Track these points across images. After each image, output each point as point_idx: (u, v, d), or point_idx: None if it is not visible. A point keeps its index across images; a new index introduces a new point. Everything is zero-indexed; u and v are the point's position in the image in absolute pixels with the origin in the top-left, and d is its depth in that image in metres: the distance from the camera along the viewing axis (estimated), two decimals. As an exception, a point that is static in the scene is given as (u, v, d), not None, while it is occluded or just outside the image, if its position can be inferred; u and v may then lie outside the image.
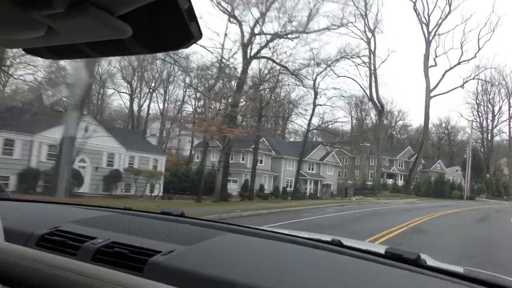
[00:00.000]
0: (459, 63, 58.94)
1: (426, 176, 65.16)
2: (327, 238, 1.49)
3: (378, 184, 50.70)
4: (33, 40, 0.67)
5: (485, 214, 25.77)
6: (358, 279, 1.14)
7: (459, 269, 1.29)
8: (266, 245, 1.39)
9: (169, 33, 0.69)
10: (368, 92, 53.93)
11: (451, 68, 59.83)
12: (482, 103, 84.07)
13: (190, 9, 0.65)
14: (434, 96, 56.43)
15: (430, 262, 1.31)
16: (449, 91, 60.17)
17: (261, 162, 45.67)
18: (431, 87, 56.80)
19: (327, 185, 45.64)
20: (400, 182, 64.31)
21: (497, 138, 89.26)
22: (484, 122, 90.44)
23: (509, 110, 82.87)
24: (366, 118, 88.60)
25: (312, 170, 51.83)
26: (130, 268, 1.13)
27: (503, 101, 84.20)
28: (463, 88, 57.66)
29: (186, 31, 0.68)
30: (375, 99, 52.62)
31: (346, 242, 1.45)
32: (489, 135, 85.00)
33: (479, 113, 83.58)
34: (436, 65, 58.32)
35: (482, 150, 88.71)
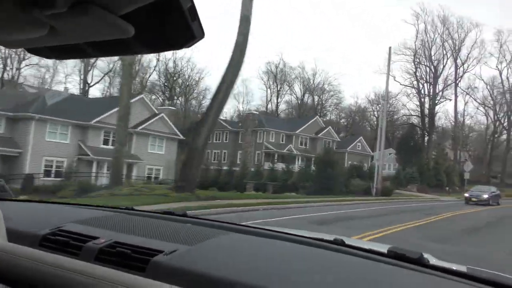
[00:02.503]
0: None
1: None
2: (330, 237, 1.60)
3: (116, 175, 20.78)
4: (36, 40, 0.69)
5: None
6: (361, 278, 1.21)
7: (462, 268, 1.37)
8: (269, 245, 1.47)
9: (171, 33, 0.71)
10: None
11: None
12: (422, 62, 57.08)
13: (192, 8, 0.67)
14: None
15: (433, 261, 1.40)
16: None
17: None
18: None
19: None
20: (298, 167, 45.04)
21: (442, 120, 78.02)
22: (425, 89, 74.42)
23: (455, 70, 55.37)
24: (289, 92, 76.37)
25: (110, 144, 31.12)
26: (132, 268, 1.20)
27: (447, 59, 55.71)
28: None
29: (189, 30, 0.70)
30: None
31: (349, 241, 1.56)
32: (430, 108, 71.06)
33: (417, 77, 56.26)
34: None
35: (421, 126, 72.88)
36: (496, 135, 66.39)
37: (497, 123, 65.02)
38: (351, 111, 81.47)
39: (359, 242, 1.86)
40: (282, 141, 50.49)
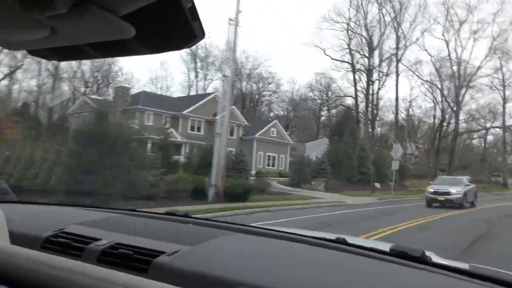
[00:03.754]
0: None
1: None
2: (332, 236, 1.71)
3: None
4: (37, 42, 0.71)
5: None
6: (363, 277, 1.30)
7: (464, 265, 1.47)
8: (271, 245, 1.57)
9: (172, 33, 0.73)
10: None
11: None
12: (358, 32, 44.94)
13: (193, 8, 0.69)
14: None
15: (436, 259, 1.50)
16: None
17: None
18: None
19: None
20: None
21: (390, 112, 65.20)
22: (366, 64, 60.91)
23: (397, 41, 40.41)
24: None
25: None
26: (135, 269, 1.28)
27: (386, 26, 43.77)
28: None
29: (189, 30, 0.71)
30: None
31: (351, 240, 1.67)
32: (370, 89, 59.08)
33: (351, 50, 41.68)
34: None
35: (355, 109, 61.00)
36: (444, 124, 54.81)
37: (446, 106, 53.63)
38: (290, 99, 68.93)
39: (361, 241, 2.01)
40: (165, 124, 36.29)
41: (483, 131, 70.10)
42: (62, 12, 0.61)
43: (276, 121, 50.01)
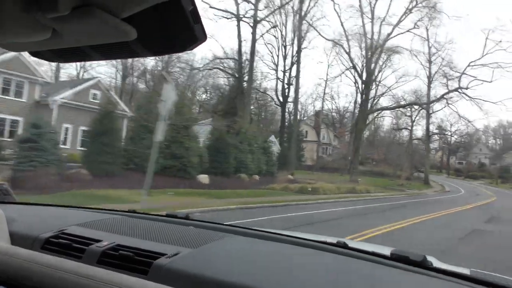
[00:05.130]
0: None
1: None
2: (333, 240, 1.89)
3: None
4: (39, 43, 0.73)
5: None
6: (364, 281, 1.41)
7: (465, 271, 1.62)
8: (272, 248, 1.73)
9: (174, 35, 0.75)
10: None
11: None
12: None
13: (195, 11, 0.72)
14: None
15: (437, 264, 1.63)
16: None
17: None
18: None
19: None
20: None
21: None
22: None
23: None
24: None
25: None
26: (135, 270, 1.39)
27: None
28: None
29: (191, 33, 0.73)
30: None
31: (352, 244, 1.85)
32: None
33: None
34: None
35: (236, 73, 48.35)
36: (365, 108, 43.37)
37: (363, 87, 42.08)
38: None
39: (362, 245, 2.11)
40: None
41: (410, 124, 60.25)
42: (64, 14, 0.61)
43: (98, 79, 39.17)
